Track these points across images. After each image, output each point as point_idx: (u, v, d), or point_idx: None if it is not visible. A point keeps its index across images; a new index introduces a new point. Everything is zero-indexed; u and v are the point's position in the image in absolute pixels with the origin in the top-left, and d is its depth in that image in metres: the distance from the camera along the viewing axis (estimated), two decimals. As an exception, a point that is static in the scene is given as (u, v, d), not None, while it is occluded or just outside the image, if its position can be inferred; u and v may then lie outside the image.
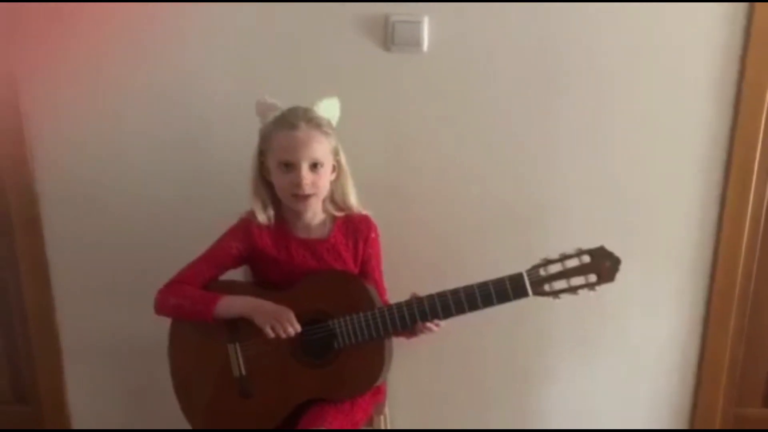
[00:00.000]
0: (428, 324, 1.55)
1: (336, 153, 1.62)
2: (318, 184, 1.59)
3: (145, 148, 1.90)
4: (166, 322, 1.67)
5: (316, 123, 1.57)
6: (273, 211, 1.65)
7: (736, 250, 1.92)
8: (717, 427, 2.08)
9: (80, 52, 1.80)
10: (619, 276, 1.49)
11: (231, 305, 1.58)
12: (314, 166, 1.57)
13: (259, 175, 1.62)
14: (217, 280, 1.66)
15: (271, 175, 1.61)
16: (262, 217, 1.63)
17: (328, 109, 1.61)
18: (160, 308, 1.64)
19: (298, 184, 1.56)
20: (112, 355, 2.07)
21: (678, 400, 2.08)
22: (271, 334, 1.53)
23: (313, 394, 1.59)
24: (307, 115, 1.57)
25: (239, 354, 1.61)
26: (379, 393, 1.75)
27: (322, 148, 1.57)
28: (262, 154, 1.61)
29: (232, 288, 1.64)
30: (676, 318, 2.00)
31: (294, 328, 1.53)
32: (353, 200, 1.67)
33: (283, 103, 1.60)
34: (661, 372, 2.06)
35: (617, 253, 1.49)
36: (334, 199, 1.67)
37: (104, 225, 1.96)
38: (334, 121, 1.63)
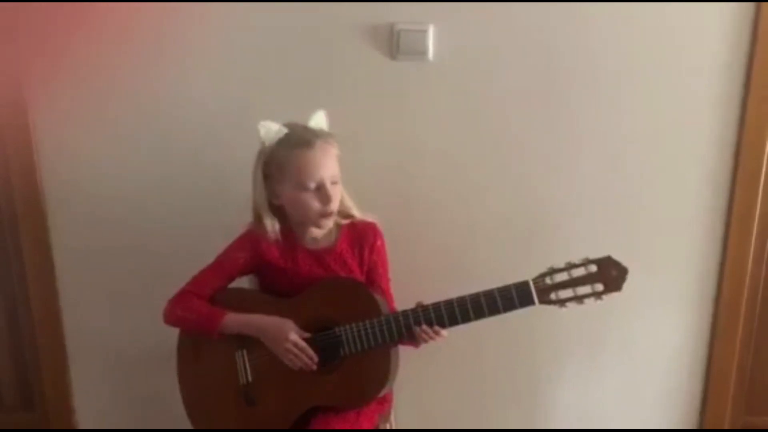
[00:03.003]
0: (431, 333, 1.54)
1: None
2: (339, 196, 1.60)
3: (152, 153, 1.90)
4: (172, 328, 1.67)
5: (326, 137, 1.56)
6: (279, 225, 1.64)
7: (744, 256, 1.91)
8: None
9: (88, 57, 1.79)
10: (626, 283, 1.49)
11: (235, 324, 1.59)
12: (333, 181, 1.57)
13: (266, 201, 1.61)
14: (226, 288, 1.67)
15: (286, 199, 1.59)
16: (272, 236, 1.63)
17: (320, 123, 1.60)
18: (168, 318, 1.65)
19: (327, 203, 1.56)
20: (118, 361, 2.07)
21: (686, 406, 2.07)
22: (296, 367, 1.56)
23: (319, 401, 1.59)
24: (315, 132, 1.56)
25: (246, 361, 1.62)
26: (385, 401, 1.75)
27: (334, 163, 1.58)
28: (268, 178, 1.59)
29: (241, 296, 1.65)
30: (684, 325, 2.00)
31: (309, 356, 1.56)
32: (351, 204, 1.67)
33: (282, 115, 1.60)
34: (669, 379, 2.05)
35: (624, 260, 1.49)
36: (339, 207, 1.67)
37: (111, 231, 1.97)
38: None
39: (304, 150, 1.53)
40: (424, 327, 1.53)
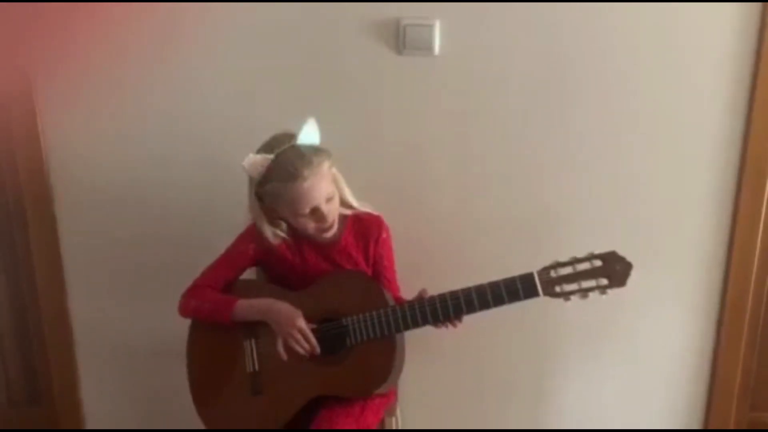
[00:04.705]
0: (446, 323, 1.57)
1: (331, 170, 1.61)
2: (336, 209, 1.61)
3: (160, 149, 1.91)
4: (179, 324, 1.69)
5: (315, 163, 1.53)
6: (283, 225, 1.66)
7: (750, 253, 1.91)
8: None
9: (96, 56, 1.81)
10: (631, 281, 1.49)
11: (247, 309, 1.61)
12: (328, 199, 1.58)
13: (265, 217, 1.63)
14: (237, 280, 1.69)
15: (285, 216, 1.62)
16: (276, 241, 1.65)
17: (311, 134, 1.58)
18: (183, 310, 1.68)
19: (324, 222, 1.58)
20: (126, 356, 2.09)
21: (691, 404, 2.07)
22: (284, 356, 1.58)
23: (324, 390, 1.60)
24: (303, 158, 1.52)
25: (254, 350, 1.64)
26: (390, 395, 1.76)
27: (328, 182, 1.58)
28: (262, 200, 1.60)
29: (251, 287, 1.68)
30: (689, 322, 1.99)
31: (311, 344, 1.57)
32: (350, 197, 1.68)
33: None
34: (674, 378, 2.05)
35: (629, 257, 1.49)
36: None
37: (119, 227, 1.98)
38: (317, 140, 1.59)
39: (294, 183, 1.52)
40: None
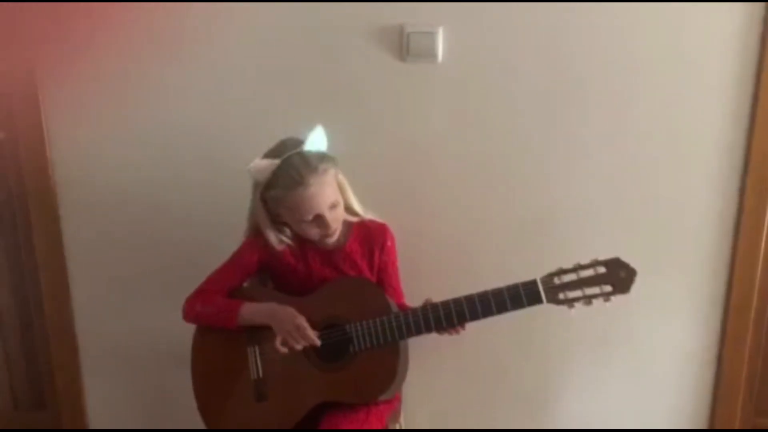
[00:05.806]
0: (449, 329, 1.57)
1: (337, 177, 1.61)
2: (340, 216, 1.62)
3: (164, 152, 1.91)
4: (183, 328, 1.69)
5: (320, 170, 1.54)
6: (288, 230, 1.66)
7: (754, 258, 1.91)
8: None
9: (100, 56, 1.80)
10: (635, 286, 1.49)
11: (252, 312, 1.62)
12: (332, 206, 1.58)
13: (270, 221, 1.63)
14: (242, 287, 1.70)
15: (289, 222, 1.63)
16: (280, 247, 1.65)
17: (318, 141, 1.58)
18: (188, 316, 1.68)
19: (326, 229, 1.59)
20: (130, 360, 2.09)
21: (696, 408, 2.07)
22: (283, 350, 1.57)
23: (328, 397, 1.60)
24: (309, 165, 1.53)
25: (258, 357, 1.64)
26: (394, 401, 1.76)
27: (332, 189, 1.58)
28: (266, 203, 1.61)
29: (256, 294, 1.68)
30: (693, 327, 1.99)
31: (308, 340, 1.57)
32: (355, 204, 1.69)
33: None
34: (679, 382, 2.05)
35: (633, 262, 1.49)
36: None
37: (123, 230, 1.99)
38: (324, 147, 1.60)
39: (297, 190, 1.53)
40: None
